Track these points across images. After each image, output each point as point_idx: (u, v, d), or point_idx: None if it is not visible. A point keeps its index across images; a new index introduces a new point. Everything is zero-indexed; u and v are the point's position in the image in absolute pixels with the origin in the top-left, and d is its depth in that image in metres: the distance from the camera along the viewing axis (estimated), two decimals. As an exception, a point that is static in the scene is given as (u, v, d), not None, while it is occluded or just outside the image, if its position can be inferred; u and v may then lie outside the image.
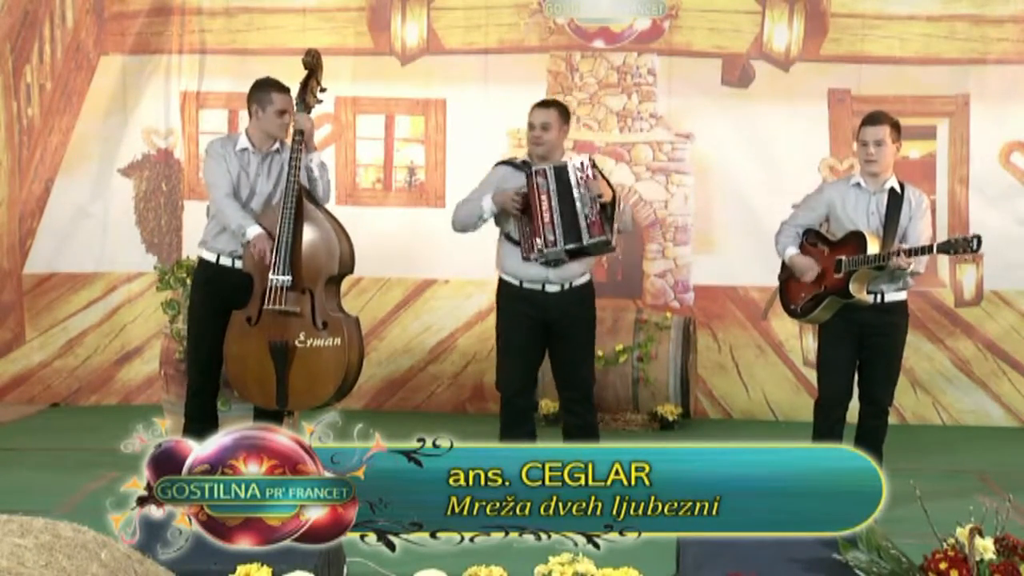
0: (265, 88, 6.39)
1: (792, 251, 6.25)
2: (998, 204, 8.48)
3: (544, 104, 6.33)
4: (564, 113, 6.30)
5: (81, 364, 8.98)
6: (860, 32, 8.56)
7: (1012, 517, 4.36)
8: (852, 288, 6.00)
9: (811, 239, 6.24)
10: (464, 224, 6.30)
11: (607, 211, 6.09)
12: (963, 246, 5.79)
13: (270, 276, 6.18)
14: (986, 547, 4.15)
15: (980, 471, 7.12)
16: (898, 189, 6.11)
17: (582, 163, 6.11)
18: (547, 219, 6.08)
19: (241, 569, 4.24)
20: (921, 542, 4.32)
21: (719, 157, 8.64)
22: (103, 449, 7.46)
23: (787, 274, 6.32)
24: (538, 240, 6.09)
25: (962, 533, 4.19)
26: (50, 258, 8.95)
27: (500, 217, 6.23)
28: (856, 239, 6.02)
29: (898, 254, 5.84)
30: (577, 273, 6.22)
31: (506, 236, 6.25)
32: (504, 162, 6.44)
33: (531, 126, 6.23)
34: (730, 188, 8.62)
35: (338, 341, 6.23)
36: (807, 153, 8.57)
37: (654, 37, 8.71)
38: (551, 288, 6.18)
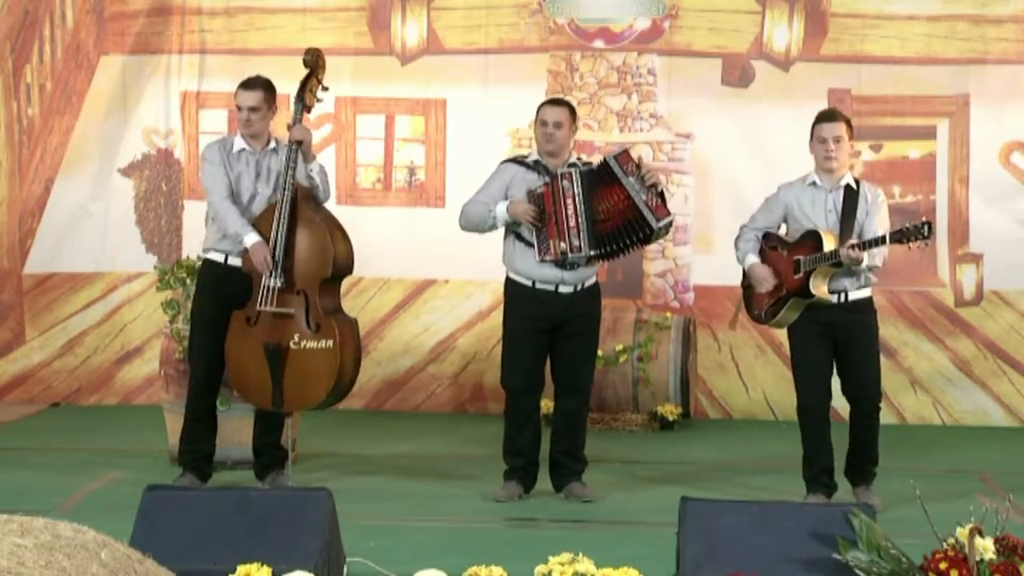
0: (237, 89, 6.41)
1: (752, 259, 6.16)
2: (998, 204, 8.47)
3: (557, 102, 6.33)
4: (574, 113, 6.31)
5: (81, 364, 8.97)
6: (860, 32, 8.55)
7: (1012, 517, 4.35)
8: (812, 286, 5.93)
9: (770, 242, 6.17)
10: (473, 227, 6.28)
11: (661, 192, 6.06)
12: (915, 234, 5.73)
13: (263, 278, 6.19)
14: (986, 547, 4.14)
15: (980, 471, 7.10)
16: (854, 185, 6.07)
17: (626, 153, 6.09)
18: (572, 223, 6.03)
19: (241, 569, 4.23)
20: (921, 542, 4.31)
21: (719, 157, 8.63)
22: (103, 449, 7.49)
23: (749, 281, 6.26)
24: (561, 244, 6.04)
25: (962, 533, 4.19)
26: (50, 258, 8.93)
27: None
28: (812, 238, 5.97)
29: (851, 248, 5.82)
30: (589, 274, 6.21)
31: (516, 235, 6.20)
32: (513, 160, 6.38)
33: (543, 123, 6.19)
34: (730, 188, 8.59)
35: (330, 343, 6.20)
36: (807, 153, 8.53)
37: (654, 37, 8.70)
38: (564, 289, 6.15)
